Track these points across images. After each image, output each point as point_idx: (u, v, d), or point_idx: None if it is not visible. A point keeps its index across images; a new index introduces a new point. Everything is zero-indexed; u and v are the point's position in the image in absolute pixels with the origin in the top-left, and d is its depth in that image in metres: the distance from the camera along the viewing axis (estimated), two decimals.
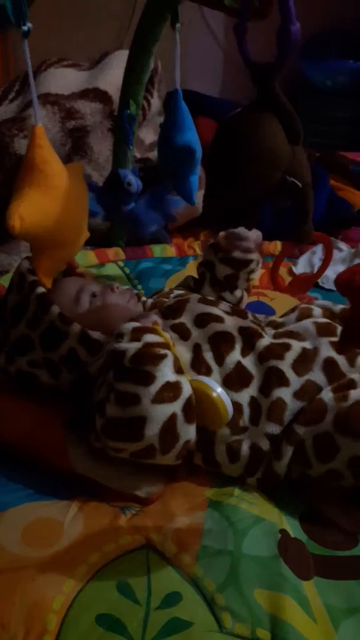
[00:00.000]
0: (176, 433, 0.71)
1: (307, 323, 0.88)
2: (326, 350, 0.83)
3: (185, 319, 0.86)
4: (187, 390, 0.72)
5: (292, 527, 0.73)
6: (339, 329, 0.87)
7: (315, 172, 1.43)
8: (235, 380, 0.80)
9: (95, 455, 0.78)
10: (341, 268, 1.40)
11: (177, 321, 0.85)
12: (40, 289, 0.85)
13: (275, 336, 0.87)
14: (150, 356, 0.70)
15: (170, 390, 0.70)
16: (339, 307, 0.94)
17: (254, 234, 0.97)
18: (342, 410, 0.75)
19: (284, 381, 0.80)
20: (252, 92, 1.05)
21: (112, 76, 1.72)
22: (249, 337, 0.84)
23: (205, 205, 1.48)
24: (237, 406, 0.78)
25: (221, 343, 0.83)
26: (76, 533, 0.71)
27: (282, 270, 1.35)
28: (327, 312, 0.93)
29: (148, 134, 1.78)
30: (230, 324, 0.85)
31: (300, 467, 0.78)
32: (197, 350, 0.82)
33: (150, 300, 0.96)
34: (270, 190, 1.08)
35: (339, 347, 0.80)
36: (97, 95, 1.68)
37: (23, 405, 0.87)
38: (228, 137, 1.06)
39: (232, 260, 0.98)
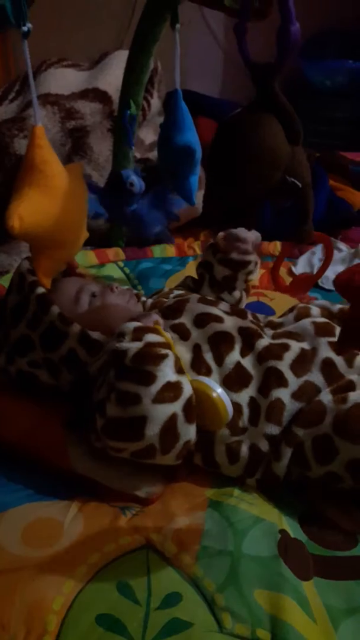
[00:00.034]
0: (176, 433, 0.71)
1: (306, 323, 0.88)
2: (324, 351, 0.83)
3: (185, 319, 0.86)
4: (187, 391, 0.72)
5: (292, 528, 0.73)
6: (338, 328, 0.87)
7: (314, 172, 1.43)
8: (234, 380, 0.80)
9: (96, 456, 0.78)
10: (341, 268, 1.40)
11: (176, 321, 0.85)
12: (40, 289, 0.85)
13: (274, 336, 0.87)
14: (151, 356, 0.70)
15: (171, 390, 0.70)
16: (337, 307, 0.94)
17: (253, 236, 0.97)
18: (341, 413, 0.75)
19: (282, 382, 0.80)
20: (252, 92, 1.05)
21: (112, 76, 1.72)
22: (249, 338, 0.84)
23: (205, 206, 1.47)
24: (236, 407, 0.78)
25: (221, 343, 0.83)
26: (76, 533, 0.71)
27: (282, 271, 1.35)
28: (326, 312, 0.93)
29: (148, 134, 1.78)
30: (230, 324, 0.85)
31: (300, 469, 0.78)
32: (197, 350, 0.82)
33: (150, 301, 0.96)
34: (270, 190, 1.08)
35: (337, 348, 0.80)
36: (97, 95, 1.68)
37: (23, 406, 0.87)
38: (228, 137, 1.06)
39: (230, 262, 0.98)
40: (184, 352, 0.81)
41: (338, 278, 0.61)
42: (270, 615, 0.61)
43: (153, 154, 1.69)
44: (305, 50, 2.20)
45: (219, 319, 0.86)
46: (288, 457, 0.77)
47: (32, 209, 0.78)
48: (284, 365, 0.81)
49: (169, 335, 0.76)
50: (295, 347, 0.84)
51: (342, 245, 1.49)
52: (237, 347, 0.83)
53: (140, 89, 1.30)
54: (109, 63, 1.82)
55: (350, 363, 0.83)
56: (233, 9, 1.09)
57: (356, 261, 1.43)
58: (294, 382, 0.80)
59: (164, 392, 0.69)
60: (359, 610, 0.64)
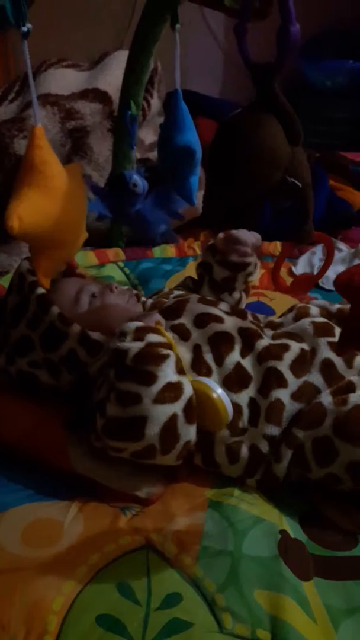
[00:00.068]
0: (177, 433, 0.71)
1: (305, 323, 0.88)
2: (324, 351, 0.83)
3: (185, 320, 0.86)
4: (188, 391, 0.72)
5: (292, 528, 0.73)
6: (337, 328, 0.87)
7: (314, 172, 1.43)
8: (234, 381, 0.80)
9: (96, 456, 0.78)
10: (341, 268, 1.40)
11: (177, 322, 0.85)
12: (40, 290, 0.85)
13: (274, 337, 0.87)
14: (152, 356, 0.70)
15: (172, 391, 0.70)
16: (335, 307, 0.94)
17: (253, 238, 0.97)
18: (342, 415, 0.75)
19: (282, 382, 0.80)
20: (252, 92, 1.05)
21: (111, 77, 1.72)
22: (249, 338, 0.84)
23: (205, 206, 1.47)
24: (236, 407, 0.78)
25: (221, 344, 0.83)
26: (76, 533, 0.71)
27: (282, 271, 1.34)
28: (325, 312, 0.93)
29: (148, 135, 1.78)
30: (230, 324, 0.85)
31: (300, 470, 0.78)
32: (197, 351, 0.82)
33: (149, 301, 0.96)
34: (270, 191, 1.08)
35: (338, 349, 0.80)
36: (97, 95, 1.68)
37: (23, 406, 0.87)
38: (228, 137, 1.06)
39: (229, 263, 0.98)
40: (184, 353, 0.81)
41: (338, 278, 0.61)
42: (270, 616, 0.61)
43: (153, 154, 1.69)
44: (305, 50, 2.20)
45: (219, 319, 0.86)
46: (288, 459, 0.77)
47: (31, 210, 0.78)
48: (283, 366, 0.81)
49: (170, 336, 0.76)
50: (295, 347, 0.84)
51: (342, 245, 1.49)
52: (237, 348, 0.83)
53: (140, 89, 1.30)
54: (109, 63, 1.82)
55: (349, 363, 0.83)
56: (233, 9, 1.09)
57: (356, 261, 1.43)
58: (293, 382, 0.80)
59: (164, 392, 0.69)
60: (359, 611, 0.64)
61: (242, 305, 1.03)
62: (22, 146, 1.44)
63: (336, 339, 0.85)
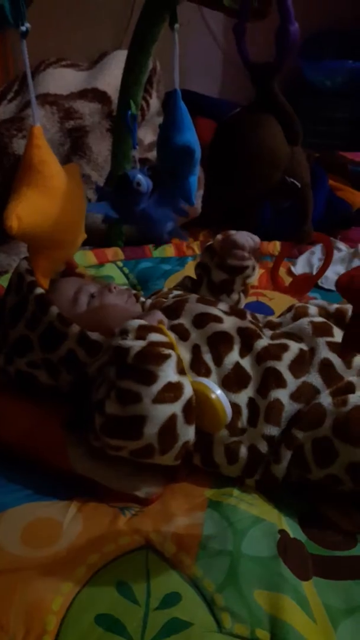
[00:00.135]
0: (175, 434, 0.71)
1: (304, 323, 0.88)
2: (323, 352, 0.83)
3: (184, 320, 0.86)
4: (188, 392, 0.71)
5: (292, 528, 0.73)
6: (335, 328, 0.87)
7: (314, 172, 1.43)
8: (233, 381, 0.80)
9: (95, 456, 0.78)
10: (340, 268, 1.40)
11: (176, 322, 0.85)
12: (39, 290, 0.85)
13: (273, 337, 0.87)
14: (154, 355, 0.70)
15: (172, 391, 0.70)
16: (334, 307, 0.94)
17: (251, 241, 0.97)
18: (341, 415, 0.75)
19: (281, 382, 0.80)
20: (252, 92, 1.05)
21: (110, 76, 1.72)
22: (248, 338, 0.84)
23: (205, 206, 1.47)
24: (235, 407, 0.78)
25: (220, 344, 0.83)
26: (75, 533, 0.71)
27: (281, 271, 1.35)
28: (323, 312, 0.93)
29: (147, 134, 1.78)
30: (229, 324, 0.85)
31: (299, 471, 0.78)
32: (196, 351, 0.82)
33: (149, 301, 0.96)
34: (270, 191, 1.07)
35: (341, 351, 0.80)
36: (96, 95, 1.68)
37: (22, 406, 0.87)
38: (227, 137, 1.06)
39: (227, 267, 0.98)
40: (184, 353, 0.81)
41: (339, 281, 0.62)
42: (269, 615, 0.61)
43: (152, 154, 1.69)
44: (304, 50, 2.20)
45: (218, 319, 0.86)
46: (288, 460, 0.77)
47: (30, 209, 0.78)
48: (282, 366, 0.81)
49: (172, 335, 0.76)
50: (294, 347, 0.84)
51: (341, 245, 1.49)
52: (236, 348, 0.83)
53: (139, 89, 1.30)
54: (108, 63, 1.82)
55: (348, 364, 0.83)
56: (232, 9, 1.09)
57: (356, 261, 1.43)
58: (292, 383, 0.80)
59: (164, 392, 0.69)
60: (358, 610, 0.64)
61: (241, 305, 1.03)
62: (21, 146, 1.44)
63: (335, 339, 0.85)
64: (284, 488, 0.78)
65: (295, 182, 1.05)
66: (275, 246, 1.47)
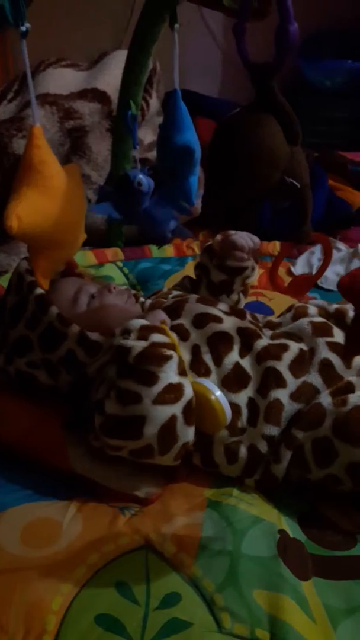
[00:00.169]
0: (175, 435, 0.71)
1: (303, 322, 0.88)
2: (323, 352, 0.83)
3: (184, 320, 0.86)
4: (188, 393, 0.71)
5: (291, 528, 0.73)
6: (335, 328, 0.87)
7: (313, 172, 1.43)
8: (233, 381, 0.80)
9: (95, 456, 0.78)
10: (340, 268, 1.41)
11: (176, 322, 0.85)
12: (39, 290, 0.85)
13: (272, 337, 0.87)
14: (155, 356, 0.70)
15: (172, 392, 0.70)
16: (334, 307, 0.94)
17: (250, 242, 0.96)
18: (341, 415, 0.75)
19: (281, 382, 0.80)
20: (251, 92, 1.05)
21: (110, 76, 1.72)
22: (247, 338, 0.84)
23: (204, 206, 1.47)
24: (235, 407, 0.78)
25: (220, 344, 0.83)
26: (75, 533, 0.71)
27: (281, 271, 1.35)
28: (323, 311, 0.93)
29: (147, 134, 1.78)
30: (229, 324, 0.85)
31: (299, 471, 0.78)
32: (196, 351, 0.82)
33: (148, 301, 0.96)
34: (269, 191, 1.07)
35: (344, 353, 0.80)
36: (96, 95, 1.68)
37: (22, 406, 0.87)
38: (226, 137, 1.06)
39: (226, 268, 0.98)
40: (183, 353, 0.81)
41: (341, 281, 0.62)
42: (269, 615, 0.61)
43: (152, 154, 1.69)
44: (304, 50, 2.20)
45: (218, 319, 0.86)
46: (287, 460, 0.77)
47: (30, 209, 0.78)
48: (282, 366, 0.81)
49: (174, 336, 0.76)
50: (294, 347, 0.84)
51: (341, 245, 1.49)
52: (236, 348, 0.83)
53: (139, 89, 1.30)
54: (108, 63, 1.82)
55: (348, 364, 0.83)
56: (232, 9, 1.09)
57: (355, 261, 1.43)
58: (292, 382, 0.80)
59: (165, 393, 0.69)
60: (358, 610, 0.64)
61: (241, 306, 1.03)
62: (21, 146, 1.44)
63: (335, 339, 0.85)
64: (284, 488, 0.78)
65: (295, 182, 1.05)
66: (275, 246, 1.47)
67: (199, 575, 0.66)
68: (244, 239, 0.96)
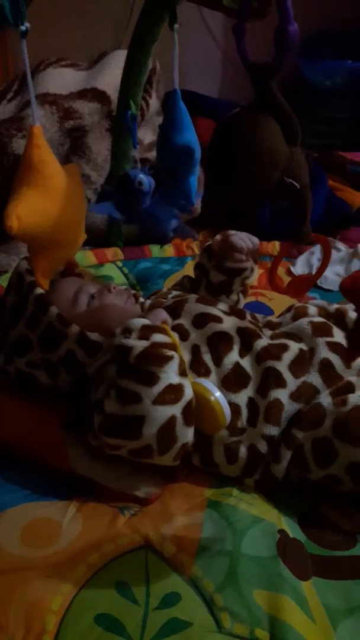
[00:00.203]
0: (174, 435, 0.71)
1: (303, 322, 0.88)
2: (322, 352, 0.83)
3: (184, 320, 0.86)
4: (188, 394, 0.71)
5: (291, 527, 0.73)
6: (335, 328, 0.87)
7: (313, 172, 1.43)
8: (233, 381, 0.80)
9: (95, 456, 0.78)
10: (340, 268, 1.41)
11: (175, 322, 0.85)
12: (39, 290, 0.85)
13: (272, 337, 0.87)
14: (156, 357, 0.70)
15: (172, 393, 0.70)
16: (334, 307, 0.94)
17: (249, 243, 0.96)
18: (341, 415, 0.75)
19: (281, 382, 0.80)
20: (251, 92, 1.05)
21: (110, 76, 1.72)
22: (247, 338, 0.84)
23: (204, 206, 1.47)
24: (235, 407, 0.78)
25: (219, 344, 0.83)
26: (75, 533, 0.71)
27: (281, 271, 1.35)
28: (323, 311, 0.93)
29: (147, 134, 1.78)
30: (229, 324, 0.85)
31: (299, 471, 0.78)
32: (195, 351, 0.82)
33: (148, 301, 0.96)
34: (268, 191, 1.07)
35: (348, 354, 0.80)
36: (96, 95, 1.68)
37: (22, 406, 0.87)
38: (226, 137, 1.06)
39: (225, 269, 0.98)
40: (183, 353, 0.81)
41: (343, 282, 0.62)
42: (269, 615, 0.61)
43: (152, 154, 1.69)
44: (303, 50, 2.20)
45: (218, 319, 0.86)
46: (287, 460, 0.77)
47: (30, 209, 0.78)
48: (282, 366, 0.81)
49: (175, 336, 0.76)
50: (294, 347, 0.84)
51: (340, 245, 1.49)
52: (236, 348, 0.83)
53: (139, 89, 1.30)
54: (108, 63, 1.82)
55: (348, 364, 0.83)
56: (232, 9, 1.09)
57: (355, 261, 1.43)
58: (292, 382, 0.80)
59: (165, 394, 0.69)
60: (358, 610, 0.64)
61: (241, 306, 1.03)
62: (21, 145, 1.44)
63: (334, 339, 0.85)
64: (284, 488, 0.78)
65: (294, 182, 1.05)
66: (274, 246, 1.47)
67: (199, 575, 0.66)
68: (243, 240, 0.96)
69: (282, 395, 0.79)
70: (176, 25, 0.99)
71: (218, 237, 0.98)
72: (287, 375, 0.81)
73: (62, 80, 1.77)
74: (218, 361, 0.81)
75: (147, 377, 0.69)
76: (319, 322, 0.87)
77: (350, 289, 0.61)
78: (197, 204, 1.10)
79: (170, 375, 0.70)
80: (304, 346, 0.84)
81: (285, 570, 0.66)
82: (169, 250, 1.47)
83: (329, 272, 1.28)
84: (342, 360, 0.82)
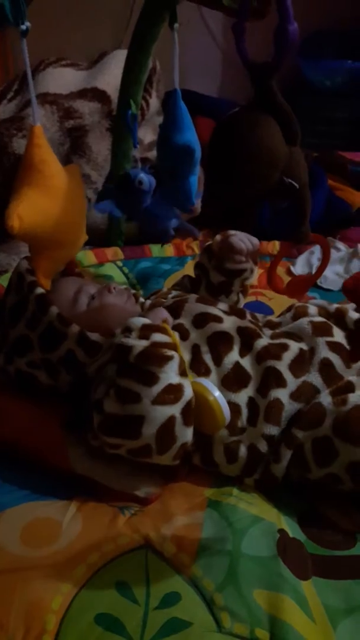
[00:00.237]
0: (174, 435, 0.71)
1: (303, 322, 0.88)
2: (323, 351, 0.83)
3: (184, 320, 0.86)
4: (188, 394, 0.71)
5: (291, 527, 0.73)
6: (335, 328, 0.87)
7: (313, 172, 1.43)
8: (233, 380, 0.80)
9: (95, 456, 0.78)
10: (339, 268, 1.41)
11: (175, 322, 0.85)
12: (39, 290, 0.85)
13: (272, 336, 0.87)
14: (156, 357, 0.70)
15: (172, 393, 0.70)
16: (334, 307, 0.94)
17: (249, 244, 0.96)
18: (341, 415, 0.75)
19: (281, 382, 0.80)
20: (251, 92, 1.05)
21: (110, 76, 1.72)
22: (247, 337, 0.84)
23: (204, 205, 1.47)
24: (235, 407, 0.78)
25: (219, 343, 0.83)
26: (75, 533, 0.71)
27: (281, 271, 1.34)
28: (323, 311, 0.93)
29: (147, 134, 1.78)
30: (229, 324, 0.85)
31: (299, 471, 0.78)
32: (195, 351, 0.82)
33: (148, 301, 0.96)
34: (268, 191, 1.07)
35: (351, 355, 0.81)
36: (96, 94, 1.68)
37: (22, 406, 0.87)
38: (225, 136, 1.06)
39: (224, 270, 0.98)
40: (183, 353, 0.81)
41: (345, 283, 0.63)
42: (269, 615, 0.61)
43: (152, 154, 1.69)
44: (303, 49, 2.19)
45: (218, 319, 0.86)
46: (287, 459, 0.77)
47: (31, 209, 0.78)
48: (282, 366, 0.81)
49: (176, 335, 0.76)
50: (294, 347, 0.84)
51: (340, 245, 1.49)
52: (236, 347, 0.83)
53: (139, 88, 1.30)
54: (108, 62, 1.82)
55: (348, 363, 0.83)
56: (231, 8, 1.09)
57: (355, 261, 1.43)
58: (292, 382, 0.80)
59: (164, 394, 0.69)
60: (358, 610, 0.64)
61: (241, 305, 1.03)
62: (21, 145, 1.44)
63: (335, 338, 0.85)
64: (284, 487, 0.78)
65: (293, 182, 1.05)
66: (274, 246, 1.46)
67: (199, 574, 0.66)
68: (243, 241, 0.96)
69: (282, 394, 0.79)
70: (176, 25, 0.99)
71: (218, 237, 0.98)
72: (287, 375, 0.81)
73: (62, 79, 1.77)
74: (218, 361, 0.81)
75: (146, 376, 0.69)
76: (319, 322, 0.87)
77: (353, 289, 0.62)
78: (197, 203, 1.10)
79: (170, 375, 0.70)
80: (304, 346, 0.84)
81: (285, 570, 0.66)
82: (169, 250, 1.47)
83: (328, 272, 1.28)
84: (342, 359, 0.83)
